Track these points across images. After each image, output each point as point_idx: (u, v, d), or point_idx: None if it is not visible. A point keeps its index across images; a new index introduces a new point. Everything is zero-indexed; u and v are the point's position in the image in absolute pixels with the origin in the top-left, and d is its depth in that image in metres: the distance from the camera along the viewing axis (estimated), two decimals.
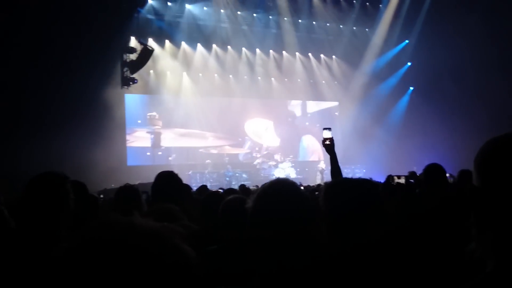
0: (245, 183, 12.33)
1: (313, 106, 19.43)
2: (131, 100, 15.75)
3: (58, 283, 0.59)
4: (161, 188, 2.69)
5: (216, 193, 3.22)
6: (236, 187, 8.48)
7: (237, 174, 16.13)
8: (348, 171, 14.51)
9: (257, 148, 17.95)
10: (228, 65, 16.90)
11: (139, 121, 16.01)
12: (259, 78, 17.62)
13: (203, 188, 6.24)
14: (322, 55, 18.65)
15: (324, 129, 2.83)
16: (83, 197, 2.66)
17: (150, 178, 2.95)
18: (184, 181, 3.07)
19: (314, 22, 17.85)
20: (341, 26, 18.05)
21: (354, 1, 17.79)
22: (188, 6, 15.93)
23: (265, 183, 1.43)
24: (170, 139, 16.42)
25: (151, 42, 15.23)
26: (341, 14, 17.67)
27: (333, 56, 18.66)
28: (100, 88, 13.60)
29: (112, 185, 10.63)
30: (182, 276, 0.64)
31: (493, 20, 13.60)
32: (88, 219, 1.78)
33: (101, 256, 0.59)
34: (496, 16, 13.55)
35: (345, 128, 17.80)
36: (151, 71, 15.76)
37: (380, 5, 18.01)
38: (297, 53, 18.11)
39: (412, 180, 5.90)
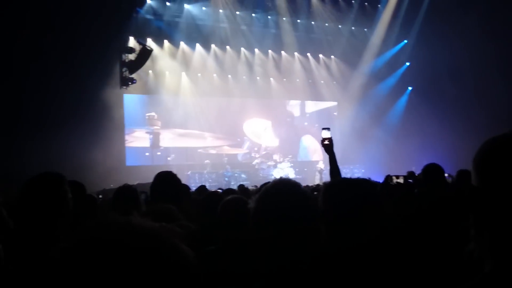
0: (244, 183, 12.30)
1: (312, 106, 19.43)
2: (130, 100, 15.73)
3: (55, 283, 0.58)
4: (159, 188, 2.70)
5: (215, 193, 3.22)
6: (235, 187, 8.45)
7: (236, 174, 16.13)
8: (346, 171, 14.53)
9: (256, 148, 17.95)
10: (227, 65, 16.89)
11: (138, 122, 16.00)
12: (258, 78, 17.61)
13: (202, 188, 6.23)
14: (320, 55, 18.64)
15: (323, 129, 2.81)
16: (81, 197, 2.66)
17: (149, 178, 2.94)
18: (183, 181, 3.07)
19: (312, 22, 17.85)
20: (339, 26, 18.04)
21: (353, 1, 17.82)
22: (187, 6, 15.91)
23: (268, 183, 1.43)
24: (169, 139, 16.40)
25: (150, 42, 15.22)
26: (340, 14, 17.69)
27: (332, 56, 18.66)
28: (99, 88, 13.55)
29: (111, 185, 10.63)
30: (180, 276, 0.63)
31: (492, 20, 13.62)
32: (86, 219, 1.78)
33: (99, 256, 0.58)
34: (495, 16, 13.57)
35: (344, 128, 17.78)
36: (150, 71, 15.74)
37: (379, 5, 18.03)
38: (295, 53, 18.11)
39: (410, 180, 5.91)
